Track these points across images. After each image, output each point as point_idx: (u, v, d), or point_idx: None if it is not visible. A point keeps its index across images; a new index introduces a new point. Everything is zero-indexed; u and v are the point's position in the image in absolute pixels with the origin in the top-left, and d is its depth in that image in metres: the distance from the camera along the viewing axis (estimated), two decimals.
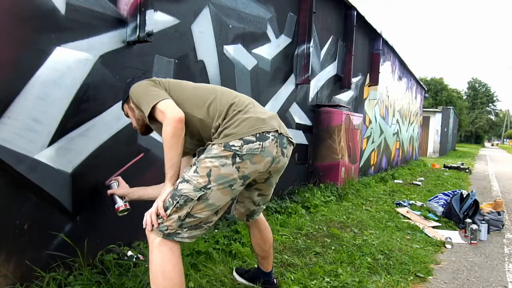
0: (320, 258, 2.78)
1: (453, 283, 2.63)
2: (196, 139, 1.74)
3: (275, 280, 2.22)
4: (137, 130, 1.94)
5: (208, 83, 3.02)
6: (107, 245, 2.23)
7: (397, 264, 2.80)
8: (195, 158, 1.66)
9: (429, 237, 3.64)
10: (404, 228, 3.85)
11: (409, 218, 4.26)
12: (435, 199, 4.78)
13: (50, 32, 1.88)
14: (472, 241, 3.59)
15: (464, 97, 59.03)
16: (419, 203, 5.13)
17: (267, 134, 1.63)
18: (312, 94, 4.89)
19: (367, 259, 2.78)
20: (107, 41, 2.17)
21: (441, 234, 3.73)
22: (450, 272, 2.83)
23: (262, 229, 2.09)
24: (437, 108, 21.27)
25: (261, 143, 1.60)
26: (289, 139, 1.78)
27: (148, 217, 1.59)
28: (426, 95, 15.82)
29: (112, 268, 2.06)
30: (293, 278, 2.36)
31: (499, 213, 4.53)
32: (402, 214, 4.43)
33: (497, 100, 64.61)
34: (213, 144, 1.60)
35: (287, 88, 4.22)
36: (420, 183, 7.37)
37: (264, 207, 2.05)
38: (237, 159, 1.57)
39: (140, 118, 1.83)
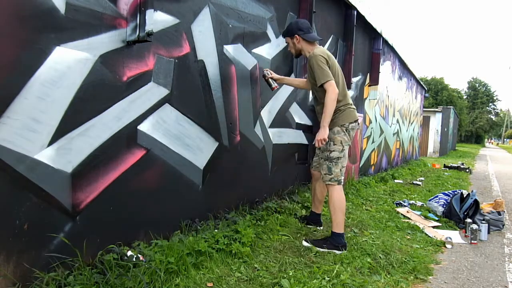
0: (320, 258, 2.78)
1: (453, 283, 2.63)
2: (322, 103, 3.00)
3: (321, 220, 3.59)
4: (292, 53, 3.31)
5: (208, 83, 3.02)
6: (107, 245, 2.23)
7: (397, 264, 2.80)
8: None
9: (429, 237, 3.64)
10: (404, 228, 3.85)
11: (409, 218, 4.26)
12: (435, 199, 4.78)
13: (50, 32, 1.88)
14: (472, 241, 3.59)
15: (464, 97, 59.01)
16: (419, 203, 5.13)
17: (358, 120, 3.13)
18: (312, 93, 4.88)
19: (367, 259, 2.78)
20: (107, 41, 2.17)
21: (441, 234, 3.73)
22: (450, 272, 2.83)
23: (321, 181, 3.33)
24: (437, 108, 21.26)
25: (356, 124, 3.10)
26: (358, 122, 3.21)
27: (316, 142, 2.93)
28: (426, 94, 15.80)
29: (112, 268, 2.06)
30: (293, 278, 2.36)
31: (499, 213, 4.53)
32: (402, 214, 4.43)
33: (497, 100, 64.59)
34: (335, 127, 3.03)
35: (287, 87, 4.21)
36: (420, 183, 7.37)
37: None
38: (348, 132, 3.07)
39: (298, 49, 3.19)
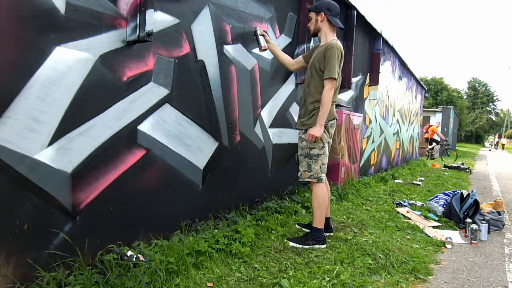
0: (320, 258, 2.78)
1: (453, 283, 2.63)
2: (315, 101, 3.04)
3: (332, 226, 3.41)
4: (310, 30, 3.22)
5: (208, 83, 3.02)
6: (107, 245, 2.23)
7: (397, 264, 2.80)
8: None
9: (429, 237, 3.64)
10: (404, 228, 3.84)
11: (409, 218, 4.26)
12: (435, 199, 4.78)
13: (50, 32, 1.88)
14: (472, 241, 3.59)
15: (464, 97, 59.00)
16: (419, 203, 5.13)
17: (337, 117, 3.17)
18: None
19: (367, 259, 2.78)
20: (107, 41, 2.17)
21: (441, 234, 3.73)
22: (450, 272, 2.83)
23: (327, 185, 3.29)
24: (437, 107, 21.25)
25: (334, 121, 3.14)
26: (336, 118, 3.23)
27: (308, 136, 2.98)
28: (426, 94, 15.81)
29: (112, 268, 2.06)
30: (293, 278, 2.36)
31: (499, 213, 4.53)
32: (402, 214, 4.43)
33: (497, 100, 64.55)
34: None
35: (287, 87, 4.22)
36: (420, 183, 7.37)
37: None
38: (327, 129, 3.07)
39: (317, 28, 3.12)
